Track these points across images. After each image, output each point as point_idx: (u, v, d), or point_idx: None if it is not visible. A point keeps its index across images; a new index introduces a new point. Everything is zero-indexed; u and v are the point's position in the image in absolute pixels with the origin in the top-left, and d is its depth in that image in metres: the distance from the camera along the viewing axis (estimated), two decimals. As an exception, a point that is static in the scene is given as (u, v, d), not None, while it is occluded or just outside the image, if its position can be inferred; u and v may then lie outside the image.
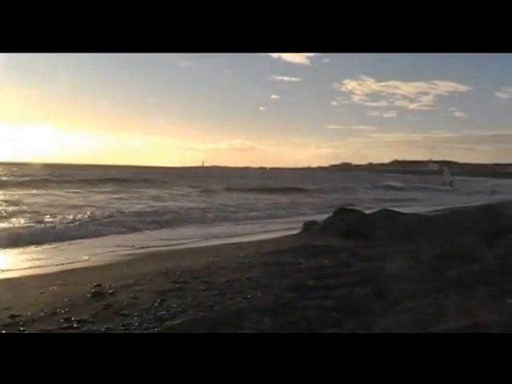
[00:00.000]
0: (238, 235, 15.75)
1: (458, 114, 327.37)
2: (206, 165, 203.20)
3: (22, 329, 5.31)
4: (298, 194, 41.02)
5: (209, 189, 41.06)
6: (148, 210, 22.48)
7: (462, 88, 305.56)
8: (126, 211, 20.89)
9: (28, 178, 43.43)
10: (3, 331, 5.20)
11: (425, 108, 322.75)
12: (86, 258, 11.16)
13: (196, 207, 25.03)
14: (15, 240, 13.21)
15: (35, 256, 11.41)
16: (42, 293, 7.07)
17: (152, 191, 36.95)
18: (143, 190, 37.14)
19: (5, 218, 18.11)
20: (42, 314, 5.84)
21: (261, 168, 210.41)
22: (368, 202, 32.00)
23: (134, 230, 16.76)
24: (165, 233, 16.49)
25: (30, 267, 10.19)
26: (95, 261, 10.89)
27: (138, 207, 23.61)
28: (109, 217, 18.79)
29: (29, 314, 5.83)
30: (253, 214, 23.62)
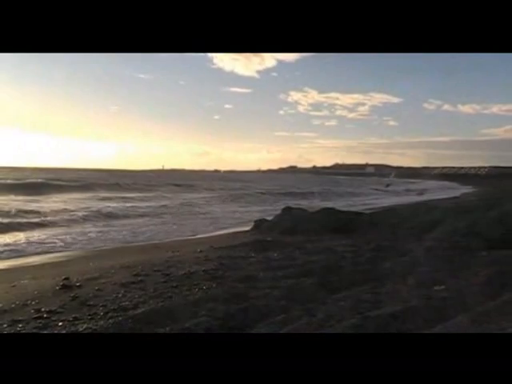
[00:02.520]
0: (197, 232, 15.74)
1: (391, 122, 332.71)
2: (165, 168, 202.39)
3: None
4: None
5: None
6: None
7: (394, 99, 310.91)
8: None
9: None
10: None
11: (361, 117, 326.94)
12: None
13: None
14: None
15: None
16: (13, 286, 6.91)
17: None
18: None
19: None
20: (13, 305, 5.70)
21: (215, 171, 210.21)
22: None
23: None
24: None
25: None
26: (63, 256, 10.69)
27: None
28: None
29: (0, 305, 5.69)
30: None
